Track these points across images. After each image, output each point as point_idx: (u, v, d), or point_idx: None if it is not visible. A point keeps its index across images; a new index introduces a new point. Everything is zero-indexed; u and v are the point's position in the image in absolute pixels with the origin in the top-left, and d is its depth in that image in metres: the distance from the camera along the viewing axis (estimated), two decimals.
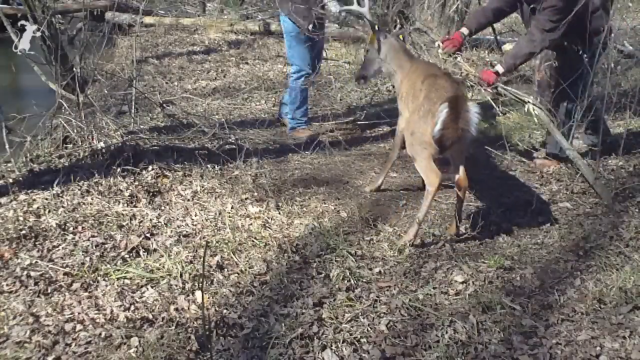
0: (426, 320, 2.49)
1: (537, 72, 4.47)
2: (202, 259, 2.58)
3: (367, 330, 2.41)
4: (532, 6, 3.96)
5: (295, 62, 4.79)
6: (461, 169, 3.16)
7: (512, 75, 5.57)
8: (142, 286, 2.69)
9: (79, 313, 2.47)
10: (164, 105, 5.14)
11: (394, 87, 4.06)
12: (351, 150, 4.59)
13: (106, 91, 5.05)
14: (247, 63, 7.47)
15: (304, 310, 2.53)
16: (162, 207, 3.40)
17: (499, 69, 3.88)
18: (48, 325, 2.39)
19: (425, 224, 3.37)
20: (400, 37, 3.94)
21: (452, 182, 3.24)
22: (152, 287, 2.67)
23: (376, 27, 3.76)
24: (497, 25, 7.34)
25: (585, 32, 3.80)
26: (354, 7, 3.93)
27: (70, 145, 3.88)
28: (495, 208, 3.55)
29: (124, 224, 3.18)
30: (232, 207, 3.41)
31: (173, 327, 2.40)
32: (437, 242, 3.19)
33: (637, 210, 3.40)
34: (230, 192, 3.61)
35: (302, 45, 4.65)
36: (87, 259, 2.84)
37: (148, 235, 3.08)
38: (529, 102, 3.88)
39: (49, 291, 2.62)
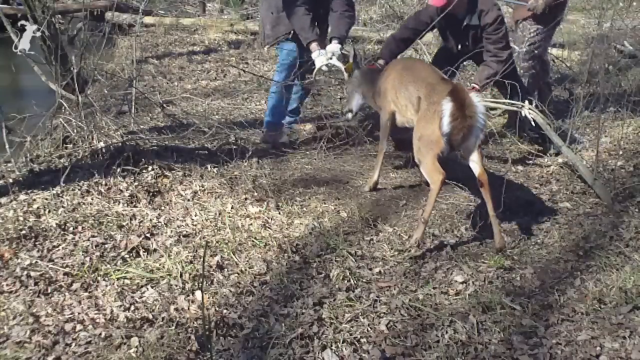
0: (426, 320, 2.49)
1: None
2: (202, 259, 2.58)
3: (367, 330, 2.41)
4: (465, 24, 4.05)
5: (281, 60, 4.62)
6: (477, 157, 3.08)
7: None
8: (142, 286, 2.69)
9: (79, 313, 2.47)
10: (164, 105, 5.14)
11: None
12: (351, 150, 4.58)
13: (106, 91, 5.04)
14: (247, 63, 7.47)
15: (304, 310, 2.53)
16: (162, 207, 3.40)
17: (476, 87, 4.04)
18: (48, 325, 2.39)
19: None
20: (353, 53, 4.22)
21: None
22: (152, 287, 2.68)
23: (350, 60, 4.08)
24: None
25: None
26: (334, 61, 4.22)
27: (70, 145, 3.88)
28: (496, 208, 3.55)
29: (124, 224, 3.18)
30: (232, 207, 3.41)
31: (173, 327, 2.40)
32: (437, 242, 3.19)
33: (637, 210, 3.39)
34: (230, 192, 3.61)
35: (288, 47, 4.53)
36: (87, 259, 2.83)
37: (148, 235, 3.08)
38: (523, 106, 3.89)
39: (49, 291, 2.62)
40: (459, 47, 4.21)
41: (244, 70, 5.98)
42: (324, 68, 4.29)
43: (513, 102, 3.99)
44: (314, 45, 4.24)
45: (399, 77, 3.63)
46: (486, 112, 3.04)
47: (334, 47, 4.27)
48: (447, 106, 2.89)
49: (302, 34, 4.27)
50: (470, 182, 3.43)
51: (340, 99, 5.97)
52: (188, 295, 2.61)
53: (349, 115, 4.17)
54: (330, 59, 4.24)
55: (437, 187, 3.03)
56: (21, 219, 3.14)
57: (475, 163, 3.09)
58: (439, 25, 4.15)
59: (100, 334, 2.35)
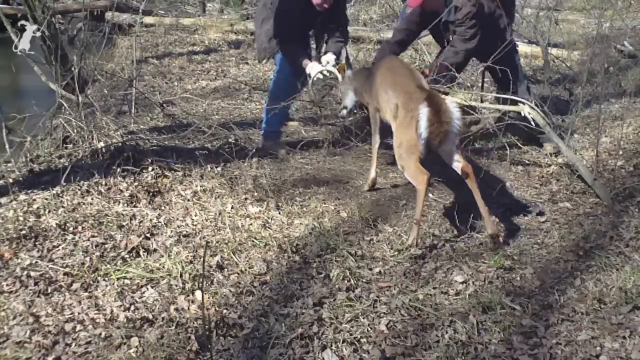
0: (426, 320, 2.49)
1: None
2: (202, 259, 2.58)
3: (367, 330, 2.41)
4: (444, 20, 4.11)
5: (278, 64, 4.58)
6: (457, 156, 3.14)
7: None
8: (142, 286, 2.69)
9: (79, 313, 2.47)
10: (164, 105, 5.14)
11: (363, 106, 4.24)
12: (351, 151, 4.58)
13: (106, 91, 5.05)
14: (247, 63, 7.47)
15: (304, 310, 2.53)
16: (162, 207, 3.40)
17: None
18: (48, 325, 2.39)
19: (425, 223, 3.37)
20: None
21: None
22: (152, 287, 2.68)
23: (342, 60, 4.19)
24: None
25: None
26: (329, 67, 4.23)
27: (70, 145, 3.88)
28: (495, 208, 3.55)
29: (124, 224, 3.18)
30: (232, 207, 3.41)
31: (173, 327, 2.40)
32: (437, 242, 3.19)
33: (637, 210, 3.39)
34: (230, 192, 3.61)
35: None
36: (87, 259, 2.84)
37: (148, 235, 3.08)
38: (522, 106, 3.87)
39: (49, 291, 2.62)
40: (446, 43, 4.26)
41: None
42: (320, 76, 4.29)
43: (512, 104, 3.98)
44: (306, 61, 4.28)
45: (381, 77, 3.68)
46: (461, 117, 3.11)
47: (329, 57, 4.33)
48: (424, 111, 2.98)
49: (294, 62, 4.33)
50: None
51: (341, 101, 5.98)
52: (188, 295, 2.61)
53: (344, 112, 4.25)
54: (325, 66, 4.27)
55: (423, 187, 3.07)
56: (21, 219, 3.14)
57: (457, 162, 3.15)
58: (427, 23, 4.22)
59: (100, 334, 2.35)
